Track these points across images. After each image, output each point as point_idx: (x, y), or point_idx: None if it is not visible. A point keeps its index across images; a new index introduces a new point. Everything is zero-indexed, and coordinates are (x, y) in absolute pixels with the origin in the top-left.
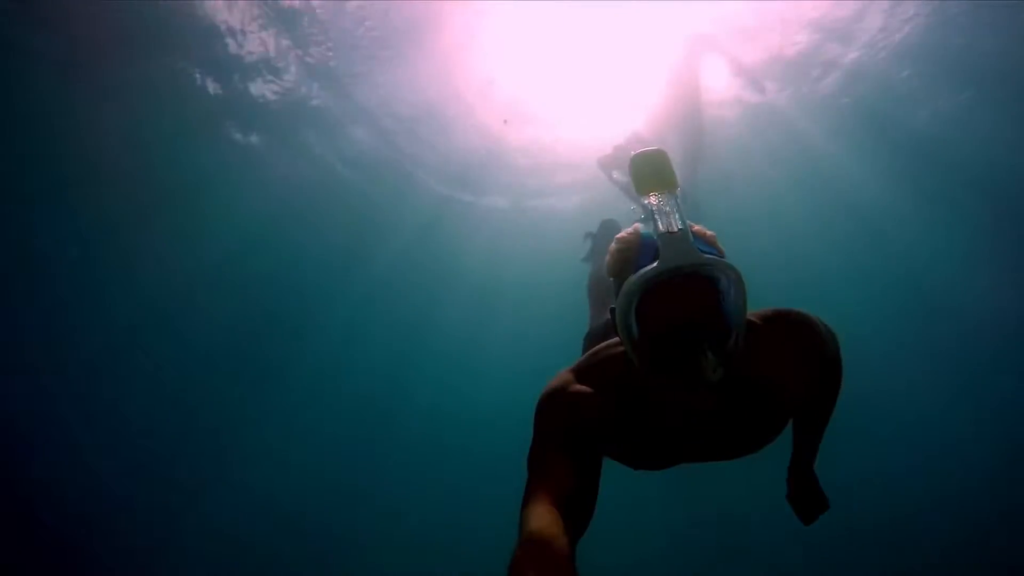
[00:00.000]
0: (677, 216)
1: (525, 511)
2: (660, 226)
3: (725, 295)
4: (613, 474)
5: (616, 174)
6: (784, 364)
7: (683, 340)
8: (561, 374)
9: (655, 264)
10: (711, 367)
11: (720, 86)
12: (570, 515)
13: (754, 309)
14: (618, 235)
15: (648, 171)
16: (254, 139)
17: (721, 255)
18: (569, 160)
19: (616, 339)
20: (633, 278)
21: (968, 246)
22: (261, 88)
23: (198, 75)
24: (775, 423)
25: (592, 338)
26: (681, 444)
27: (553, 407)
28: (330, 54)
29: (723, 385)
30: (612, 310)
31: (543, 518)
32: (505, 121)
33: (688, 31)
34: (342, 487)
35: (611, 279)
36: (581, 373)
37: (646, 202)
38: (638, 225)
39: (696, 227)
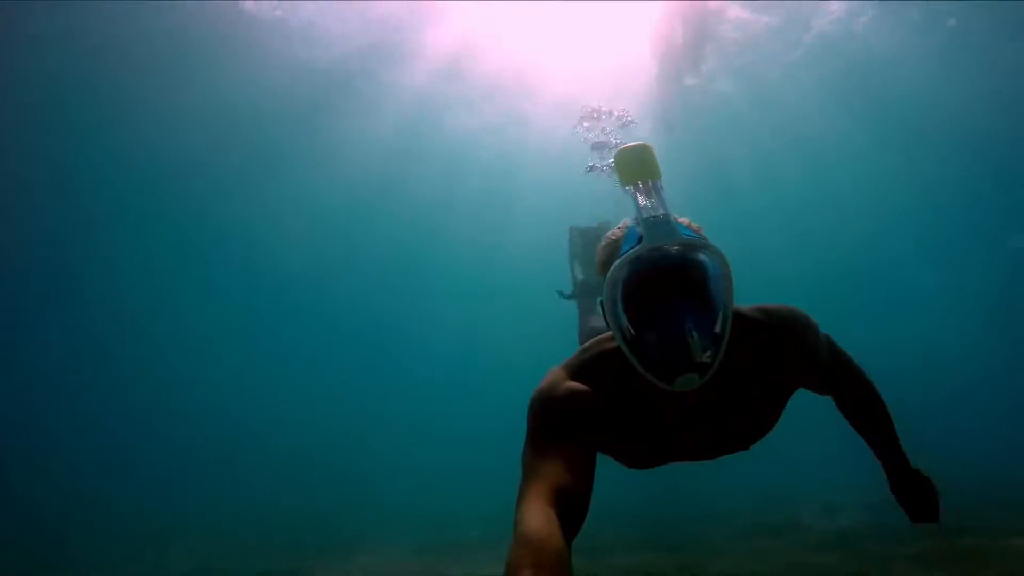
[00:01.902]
0: (660, 204)
1: (520, 510)
2: (644, 213)
3: (710, 277)
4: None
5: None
6: (775, 357)
7: (668, 321)
8: (553, 371)
9: (638, 246)
10: (697, 349)
11: None
12: (565, 513)
13: (751, 303)
14: (607, 232)
15: (633, 162)
16: None
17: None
18: None
19: (608, 334)
20: (617, 262)
21: None
22: None
23: None
24: (767, 417)
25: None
26: (675, 439)
27: (546, 405)
28: None
29: (714, 376)
30: (602, 303)
31: (538, 518)
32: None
33: None
34: None
35: (601, 276)
36: (574, 369)
37: (629, 190)
38: (627, 220)
39: (683, 219)
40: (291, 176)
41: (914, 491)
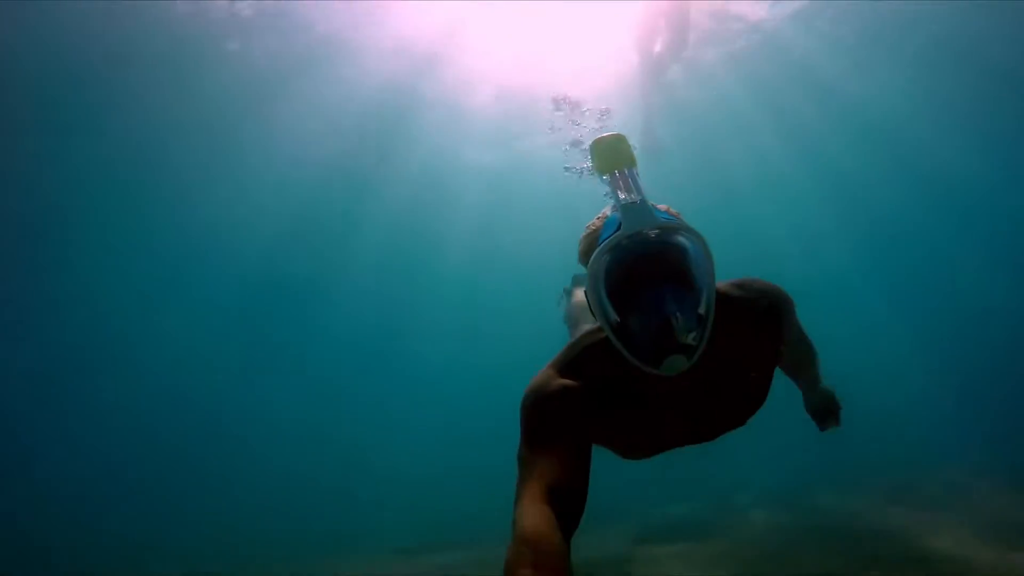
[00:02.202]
0: (637, 191)
1: (517, 509)
2: (621, 200)
3: (690, 259)
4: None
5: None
6: (758, 333)
7: (652, 305)
8: (543, 371)
9: (617, 232)
10: (682, 331)
11: None
12: (563, 510)
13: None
14: (587, 224)
15: (608, 152)
16: None
17: None
18: None
19: (593, 327)
20: (598, 250)
21: None
22: None
23: None
24: (757, 391)
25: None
26: (670, 425)
27: (537, 404)
28: None
29: (702, 357)
30: (587, 293)
31: (536, 516)
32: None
33: None
34: None
35: (583, 265)
36: (562, 366)
37: (605, 178)
38: (606, 210)
39: (661, 205)
40: (280, 179)
41: (822, 404)
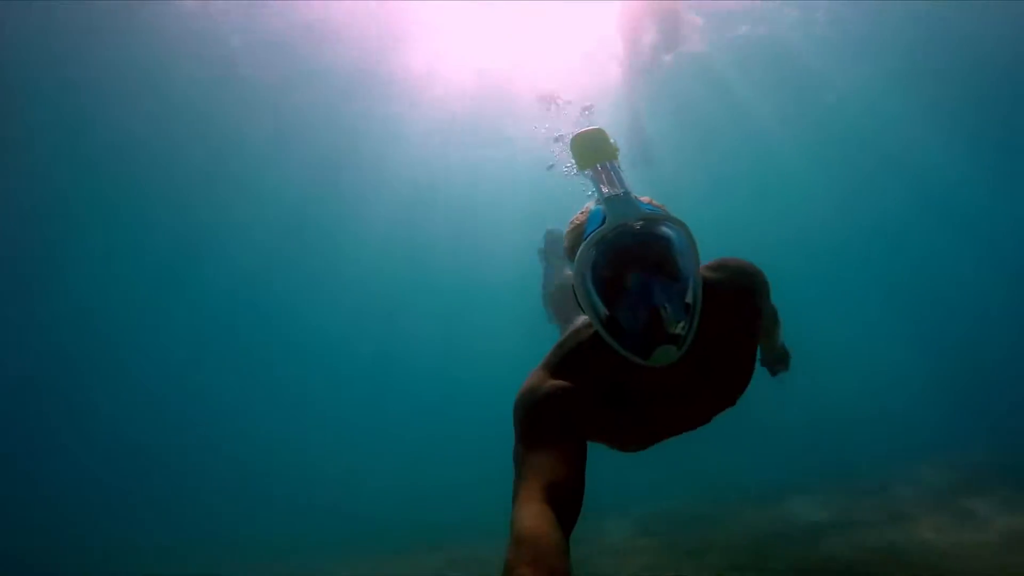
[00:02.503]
0: (620, 183)
1: (515, 509)
2: (604, 193)
3: (676, 249)
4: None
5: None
6: (740, 313)
7: (639, 296)
8: (534, 372)
9: (602, 226)
10: (671, 321)
11: None
12: (560, 508)
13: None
14: (571, 219)
15: (588, 146)
16: None
17: None
18: None
19: (581, 324)
20: (584, 244)
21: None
22: None
23: None
24: (744, 370)
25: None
26: (663, 415)
27: (532, 406)
28: None
29: (691, 346)
30: (574, 289)
31: (534, 515)
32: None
33: None
34: None
35: (569, 260)
36: (553, 367)
37: (588, 173)
38: (589, 204)
39: (644, 197)
40: (276, 183)
41: (775, 356)
